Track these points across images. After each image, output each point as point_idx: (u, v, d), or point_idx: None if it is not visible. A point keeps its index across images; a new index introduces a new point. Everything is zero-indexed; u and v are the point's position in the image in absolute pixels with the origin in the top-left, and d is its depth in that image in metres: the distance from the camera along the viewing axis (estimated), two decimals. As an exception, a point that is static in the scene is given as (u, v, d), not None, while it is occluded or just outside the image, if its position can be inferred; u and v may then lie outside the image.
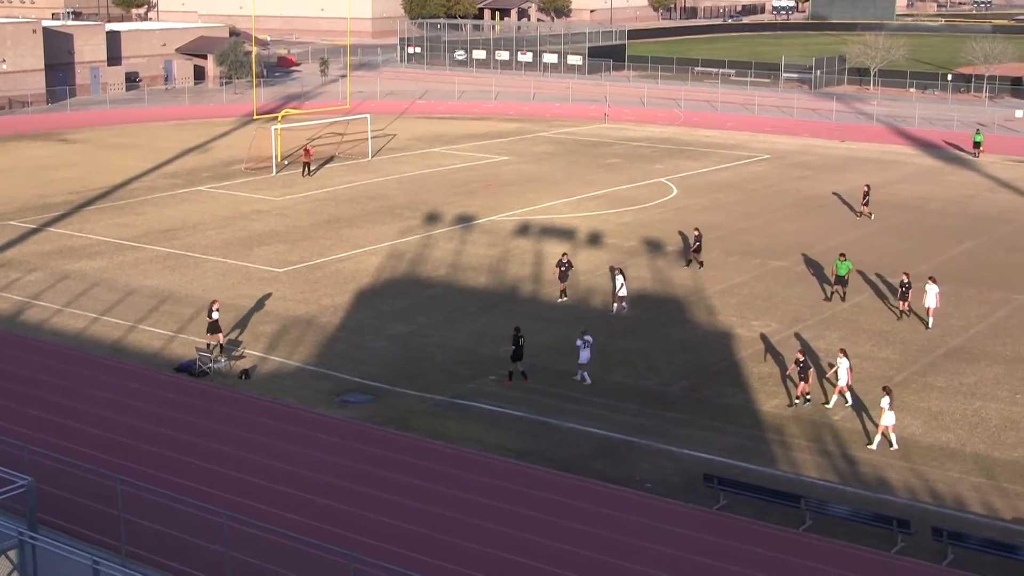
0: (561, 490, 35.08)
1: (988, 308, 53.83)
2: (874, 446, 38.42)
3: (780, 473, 36.65)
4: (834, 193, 74.50)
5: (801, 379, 41.48)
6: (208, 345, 45.64)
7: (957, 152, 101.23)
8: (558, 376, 44.61)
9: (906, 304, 51.51)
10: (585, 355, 43.49)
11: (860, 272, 58.24)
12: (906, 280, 51.44)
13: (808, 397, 41.75)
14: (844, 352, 42.23)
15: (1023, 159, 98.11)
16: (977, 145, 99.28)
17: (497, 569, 30.25)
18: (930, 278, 51.28)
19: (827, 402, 41.81)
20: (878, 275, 58.48)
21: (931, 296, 50.33)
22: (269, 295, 54.30)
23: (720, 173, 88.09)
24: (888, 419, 38.37)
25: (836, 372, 41.74)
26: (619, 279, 52.32)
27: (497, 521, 32.93)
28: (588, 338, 43.77)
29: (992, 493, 35.41)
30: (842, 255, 54.41)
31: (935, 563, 31.26)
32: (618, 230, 68.21)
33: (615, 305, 52.12)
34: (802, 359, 41.61)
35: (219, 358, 44.65)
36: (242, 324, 50.21)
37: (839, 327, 50.73)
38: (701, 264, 59.37)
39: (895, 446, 38.38)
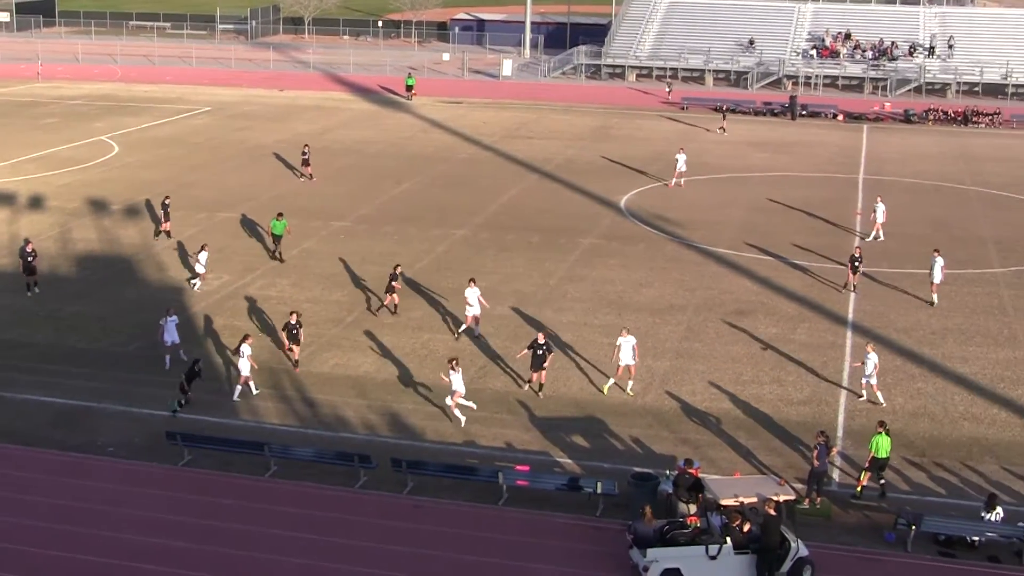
0: (22, 464, 33.92)
1: (429, 244, 56.30)
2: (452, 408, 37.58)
3: (243, 423, 37.03)
4: (276, 155, 75.12)
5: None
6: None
7: (391, 96, 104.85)
8: (8, 347, 42.92)
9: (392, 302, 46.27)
10: (169, 336, 41.12)
11: (308, 219, 59.42)
12: (393, 280, 45.97)
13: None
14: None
15: (452, 100, 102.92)
16: (409, 88, 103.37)
17: (-44, 554, 29.01)
18: (471, 280, 44.92)
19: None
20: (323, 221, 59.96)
21: (474, 303, 43.96)
22: None
23: (162, 128, 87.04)
24: (457, 385, 36.76)
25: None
26: (203, 255, 49.44)
27: (-48, 504, 31.52)
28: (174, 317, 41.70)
29: (443, 420, 37.24)
30: (279, 215, 54.22)
31: (397, 492, 32.68)
32: (60, 192, 66.05)
33: (195, 281, 49.50)
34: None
35: None
36: None
37: (290, 273, 51.56)
38: (168, 234, 57.31)
39: (465, 413, 37.15)
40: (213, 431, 35.88)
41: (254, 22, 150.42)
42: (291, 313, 41.71)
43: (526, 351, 39.51)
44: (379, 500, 32.34)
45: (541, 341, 39.02)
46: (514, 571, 28.97)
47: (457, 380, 36.79)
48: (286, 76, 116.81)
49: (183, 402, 37.90)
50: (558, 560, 29.35)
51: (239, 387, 39.02)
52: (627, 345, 39.34)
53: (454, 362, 37.22)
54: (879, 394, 38.73)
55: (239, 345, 39.03)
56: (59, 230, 58.04)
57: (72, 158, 75.54)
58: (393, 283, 46.44)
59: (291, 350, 41.38)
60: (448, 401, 37.19)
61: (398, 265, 47.67)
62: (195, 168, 73.04)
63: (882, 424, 33.22)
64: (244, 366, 38.68)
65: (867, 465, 32.96)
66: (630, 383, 39.62)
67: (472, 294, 44.02)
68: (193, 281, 49.80)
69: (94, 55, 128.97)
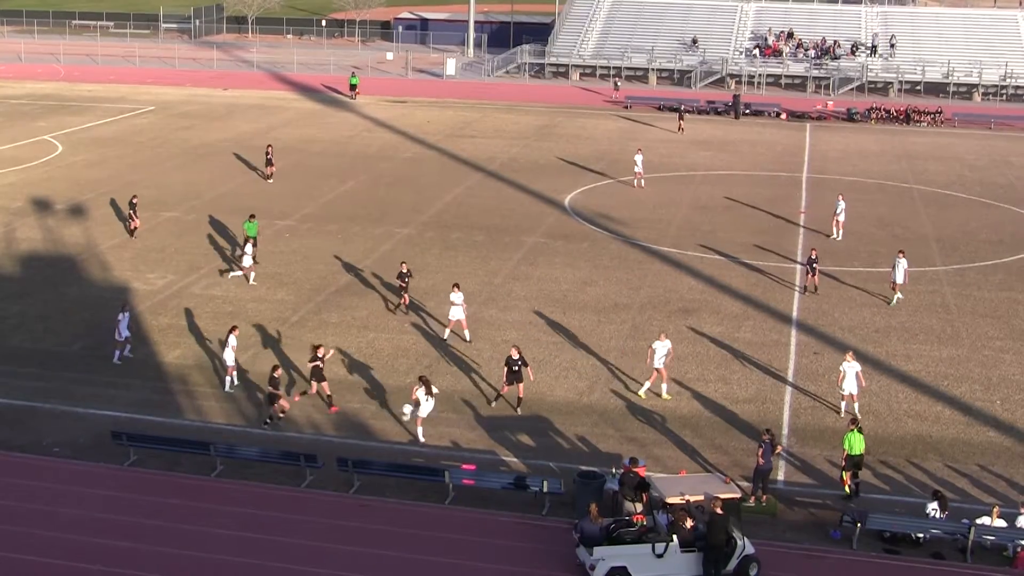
0: (-39, 466, 33.66)
1: (373, 243, 56.16)
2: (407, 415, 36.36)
3: (188, 422, 36.84)
4: (236, 154, 74.75)
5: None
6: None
7: (335, 95, 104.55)
8: (-53, 348, 42.57)
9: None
10: (123, 330, 41.05)
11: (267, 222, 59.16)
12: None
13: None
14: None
15: (396, 99, 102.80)
16: (353, 88, 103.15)
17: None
18: (455, 284, 44.28)
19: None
20: (271, 220, 59.70)
21: (457, 309, 43.35)
22: None
23: (106, 127, 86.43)
24: (426, 408, 35.40)
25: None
26: (248, 248, 49.72)
27: None
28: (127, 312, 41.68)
29: (389, 420, 37.17)
30: (252, 216, 53.48)
31: (343, 492, 32.63)
32: (3, 191, 65.42)
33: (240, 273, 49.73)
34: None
35: None
36: None
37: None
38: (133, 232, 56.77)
39: (423, 439, 35.80)
40: (159, 431, 35.68)
41: (198, 21, 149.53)
42: (316, 347, 38.23)
43: (505, 369, 38.02)
44: (325, 499, 32.26)
45: (516, 356, 37.56)
46: (460, 570, 28.95)
47: (423, 397, 35.28)
48: (230, 75, 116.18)
49: (276, 416, 36.89)
50: (504, 559, 29.38)
51: (228, 378, 39.07)
52: (661, 349, 38.97)
53: (421, 380, 35.72)
54: (856, 405, 38.06)
55: (227, 336, 39.08)
56: (2, 229, 57.50)
57: (15, 157, 74.85)
58: (402, 283, 46.24)
59: (318, 387, 38.15)
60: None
61: (404, 262, 47.46)
62: (138, 167, 72.55)
63: (854, 422, 33.43)
64: (229, 357, 38.68)
65: (844, 464, 33.07)
66: (664, 386, 39.32)
67: (457, 299, 43.35)
68: (236, 274, 50.11)
69: (37, 54, 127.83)
